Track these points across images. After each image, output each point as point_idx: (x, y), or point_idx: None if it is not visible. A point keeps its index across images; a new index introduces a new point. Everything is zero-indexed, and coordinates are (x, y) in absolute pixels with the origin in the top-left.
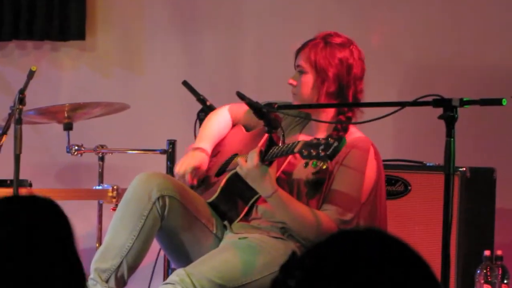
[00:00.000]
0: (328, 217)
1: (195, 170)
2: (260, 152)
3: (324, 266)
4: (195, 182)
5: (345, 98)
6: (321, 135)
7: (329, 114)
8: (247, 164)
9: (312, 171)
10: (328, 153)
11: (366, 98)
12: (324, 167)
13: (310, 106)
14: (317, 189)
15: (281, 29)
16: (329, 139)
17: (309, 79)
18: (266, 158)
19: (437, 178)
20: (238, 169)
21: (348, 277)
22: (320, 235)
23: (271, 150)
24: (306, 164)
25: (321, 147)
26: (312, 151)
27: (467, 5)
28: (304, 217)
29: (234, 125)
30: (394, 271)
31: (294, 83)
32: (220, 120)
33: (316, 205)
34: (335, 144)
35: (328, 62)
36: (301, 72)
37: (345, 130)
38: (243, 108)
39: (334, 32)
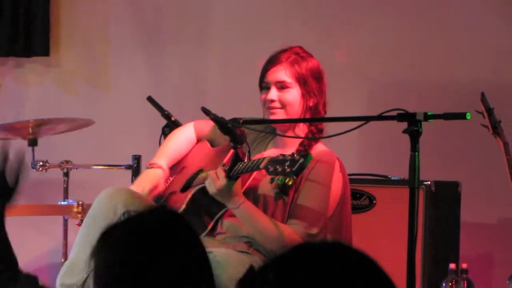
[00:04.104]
0: (293, 231)
1: (150, 192)
2: (226, 167)
3: (287, 279)
4: None
5: (319, 110)
6: (289, 149)
7: (304, 127)
8: (215, 180)
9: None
10: (294, 169)
11: (332, 113)
12: (290, 183)
13: (276, 121)
14: (283, 194)
15: (246, 45)
16: (295, 155)
17: (295, 94)
18: (232, 174)
19: (402, 192)
20: (206, 185)
21: None
22: (285, 248)
23: (236, 166)
24: (272, 180)
25: (287, 163)
26: (278, 167)
27: (431, 22)
28: (270, 230)
29: (199, 140)
30: (358, 285)
31: (276, 98)
32: (181, 138)
33: (282, 208)
34: (301, 160)
35: (310, 74)
36: (282, 87)
37: (311, 145)
38: (208, 123)
39: (297, 46)
